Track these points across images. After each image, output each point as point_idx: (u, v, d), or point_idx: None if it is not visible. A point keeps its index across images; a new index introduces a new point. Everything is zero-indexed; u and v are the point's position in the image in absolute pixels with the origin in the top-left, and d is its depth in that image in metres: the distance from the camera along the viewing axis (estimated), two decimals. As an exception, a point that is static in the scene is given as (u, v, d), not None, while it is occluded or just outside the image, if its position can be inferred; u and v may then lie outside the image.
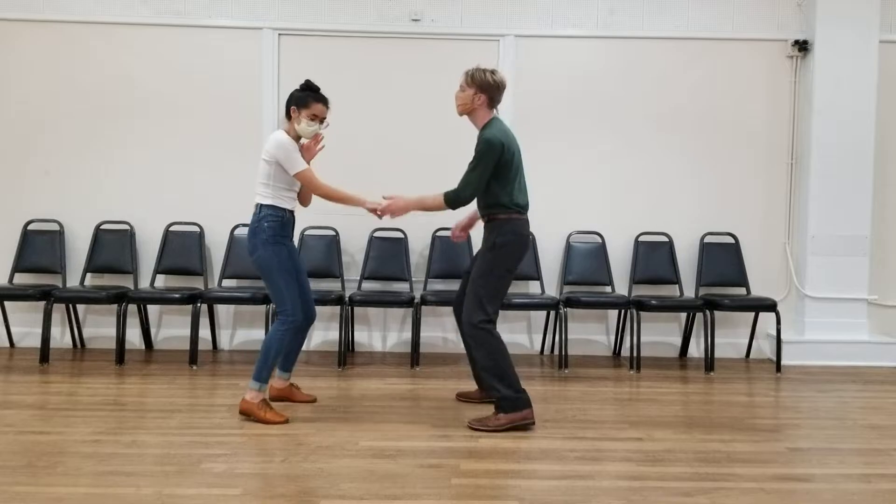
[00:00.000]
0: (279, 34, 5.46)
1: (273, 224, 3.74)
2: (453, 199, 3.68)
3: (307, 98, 3.79)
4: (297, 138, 3.82)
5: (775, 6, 5.54)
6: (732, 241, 5.52)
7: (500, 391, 3.60)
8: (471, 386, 4.31)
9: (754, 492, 2.82)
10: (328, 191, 3.80)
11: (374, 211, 3.84)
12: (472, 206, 3.91)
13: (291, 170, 3.71)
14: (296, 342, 3.97)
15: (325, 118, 3.84)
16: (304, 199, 3.97)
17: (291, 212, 3.83)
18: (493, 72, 3.73)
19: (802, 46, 5.45)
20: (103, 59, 5.44)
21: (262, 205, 3.77)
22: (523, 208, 3.75)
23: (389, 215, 3.82)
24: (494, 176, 3.67)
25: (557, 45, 5.55)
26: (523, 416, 3.61)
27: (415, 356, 5.00)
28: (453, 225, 4.17)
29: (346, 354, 5.09)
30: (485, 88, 3.71)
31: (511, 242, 3.67)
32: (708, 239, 5.53)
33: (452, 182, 3.87)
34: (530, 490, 2.80)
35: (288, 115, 3.82)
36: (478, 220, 3.98)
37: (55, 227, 5.40)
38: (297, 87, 3.84)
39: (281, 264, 3.73)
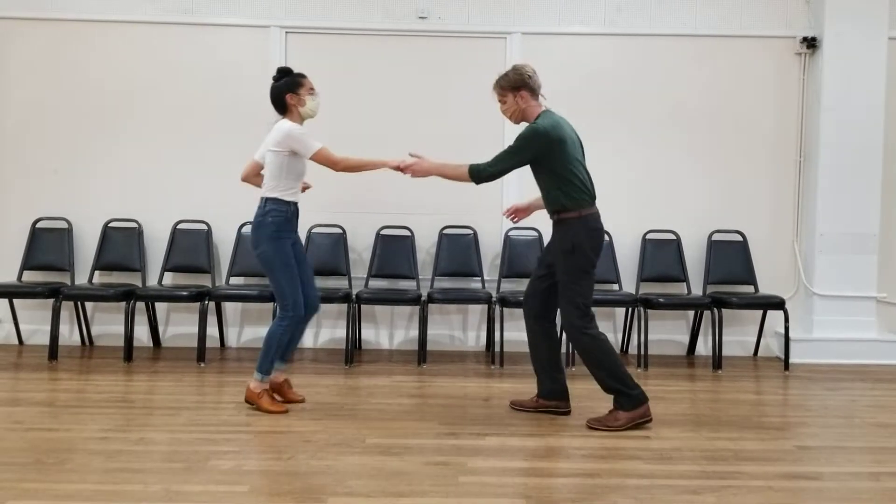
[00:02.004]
0: (286, 32, 5.47)
1: (277, 219, 3.75)
2: (477, 173, 3.60)
3: (295, 78, 3.84)
4: (301, 123, 3.84)
5: (783, 3, 5.51)
6: (740, 238, 5.50)
7: (618, 390, 3.58)
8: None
9: (762, 490, 2.81)
10: (349, 163, 3.76)
11: (398, 168, 3.77)
12: (536, 193, 3.80)
13: (308, 152, 3.70)
14: (296, 333, 3.92)
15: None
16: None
17: (296, 204, 3.84)
18: (512, 69, 3.69)
19: (811, 43, 5.43)
20: (111, 57, 5.46)
21: (267, 198, 3.77)
22: (592, 200, 3.65)
23: (411, 174, 3.75)
24: (548, 168, 3.58)
25: (564, 42, 5.54)
26: (642, 412, 3.58)
27: (422, 354, 5.01)
28: (512, 205, 4.03)
29: (353, 352, 5.10)
30: (520, 85, 3.64)
31: (586, 241, 3.59)
32: (716, 237, 5.51)
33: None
34: (537, 488, 2.80)
35: (283, 108, 3.82)
36: (539, 207, 3.89)
37: (63, 225, 5.42)
38: (275, 78, 3.85)
39: (283, 260, 3.73)
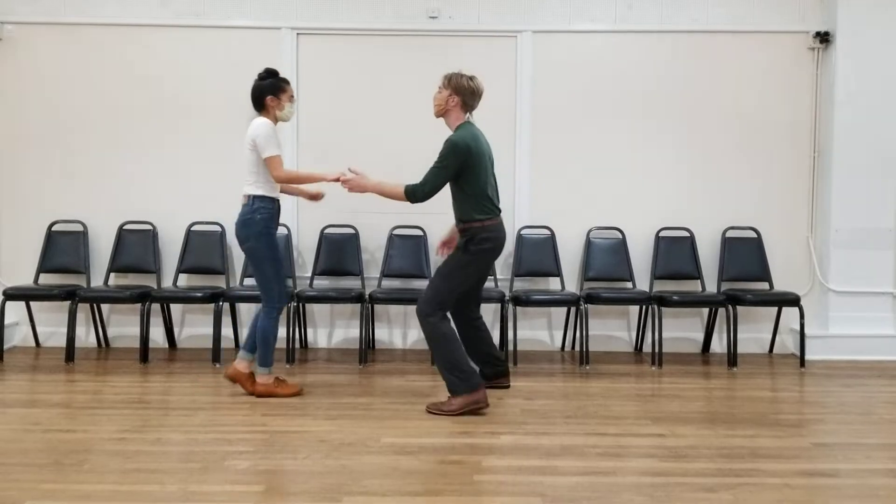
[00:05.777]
0: (297, 34, 5.49)
1: (265, 217, 3.92)
2: (411, 193, 3.83)
3: (280, 83, 3.98)
4: (276, 123, 4.00)
5: (796, -3, 5.49)
6: (755, 235, 5.47)
7: (451, 376, 3.78)
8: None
9: (779, 487, 2.80)
10: (291, 175, 3.93)
11: (336, 180, 3.94)
12: (452, 222, 4.03)
13: (265, 152, 3.84)
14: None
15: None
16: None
17: (279, 201, 4.02)
18: (471, 77, 3.89)
19: (824, 38, 5.39)
20: (124, 61, 5.49)
21: (254, 196, 3.92)
22: (496, 212, 3.89)
23: (349, 188, 3.93)
24: (464, 181, 3.80)
25: (575, 40, 5.52)
26: (476, 398, 3.75)
27: (435, 353, 5.01)
28: (438, 242, 4.30)
29: (367, 352, 5.11)
30: (459, 91, 3.87)
31: (485, 249, 3.84)
32: (730, 233, 5.48)
33: (471, 179, 3.87)
34: (552, 486, 2.80)
35: (261, 107, 3.96)
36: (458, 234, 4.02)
37: (79, 227, 5.46)
38: (261, 77, 3.98)
39: (273, 254, 3.93)
